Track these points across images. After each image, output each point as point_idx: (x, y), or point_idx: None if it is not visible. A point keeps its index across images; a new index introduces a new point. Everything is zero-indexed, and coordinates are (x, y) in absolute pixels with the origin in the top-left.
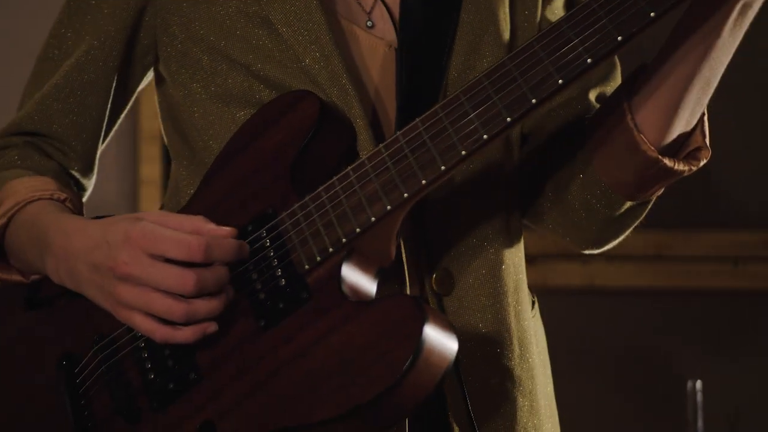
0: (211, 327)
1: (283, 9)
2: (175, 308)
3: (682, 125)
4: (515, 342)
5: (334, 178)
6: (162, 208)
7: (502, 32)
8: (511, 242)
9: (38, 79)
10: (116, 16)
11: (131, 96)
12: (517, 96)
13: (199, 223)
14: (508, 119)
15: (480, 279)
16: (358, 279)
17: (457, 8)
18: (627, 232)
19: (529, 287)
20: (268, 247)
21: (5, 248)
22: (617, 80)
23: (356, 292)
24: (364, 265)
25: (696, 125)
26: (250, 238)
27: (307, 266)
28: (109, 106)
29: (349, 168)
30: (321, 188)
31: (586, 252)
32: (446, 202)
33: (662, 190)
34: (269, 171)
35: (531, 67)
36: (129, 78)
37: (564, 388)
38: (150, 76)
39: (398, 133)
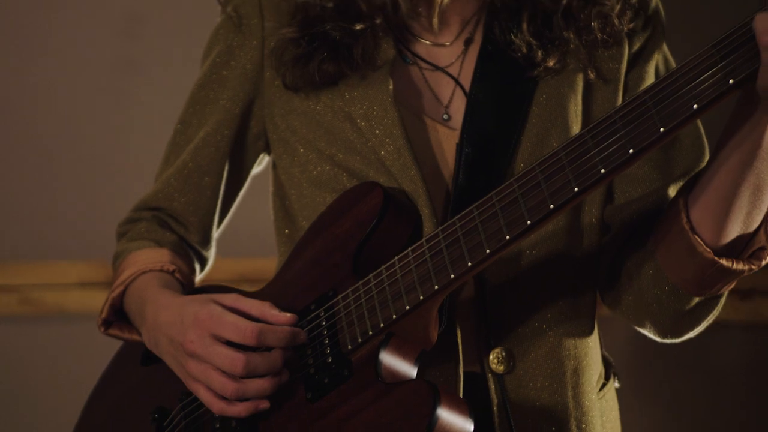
0: (263, 404)
1: (363, 105)
2: (228, 386)
3: (738, 227)
4: (572, 421)
5: (382, 266)
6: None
7: (570, 124)
8: (574, 325)
9: (167, 161)
10: (228, 108)
11: (245, 178)
12: (538, 201)
13: (264, 308)
14: (528, 222)
15: (538, 360)
16: (395, 361)
17: (527, 102)
18: (705, 323)
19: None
20: (323, 326)
21: (126, 312)
22: None
23: (393, 373)
24: (404, 349)
25: (760, 226)
26: (311, 316)
27: (349, 346)
28: (222, 186)
29: (396, 258)
30: (371, 275)
31: (667, 341)
32: (509, 285)
33: (733, 285)
34: (337, 255)
35: (553, 174)
36: (242, 162)
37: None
38: (265, 160)
39: (439, 228)
